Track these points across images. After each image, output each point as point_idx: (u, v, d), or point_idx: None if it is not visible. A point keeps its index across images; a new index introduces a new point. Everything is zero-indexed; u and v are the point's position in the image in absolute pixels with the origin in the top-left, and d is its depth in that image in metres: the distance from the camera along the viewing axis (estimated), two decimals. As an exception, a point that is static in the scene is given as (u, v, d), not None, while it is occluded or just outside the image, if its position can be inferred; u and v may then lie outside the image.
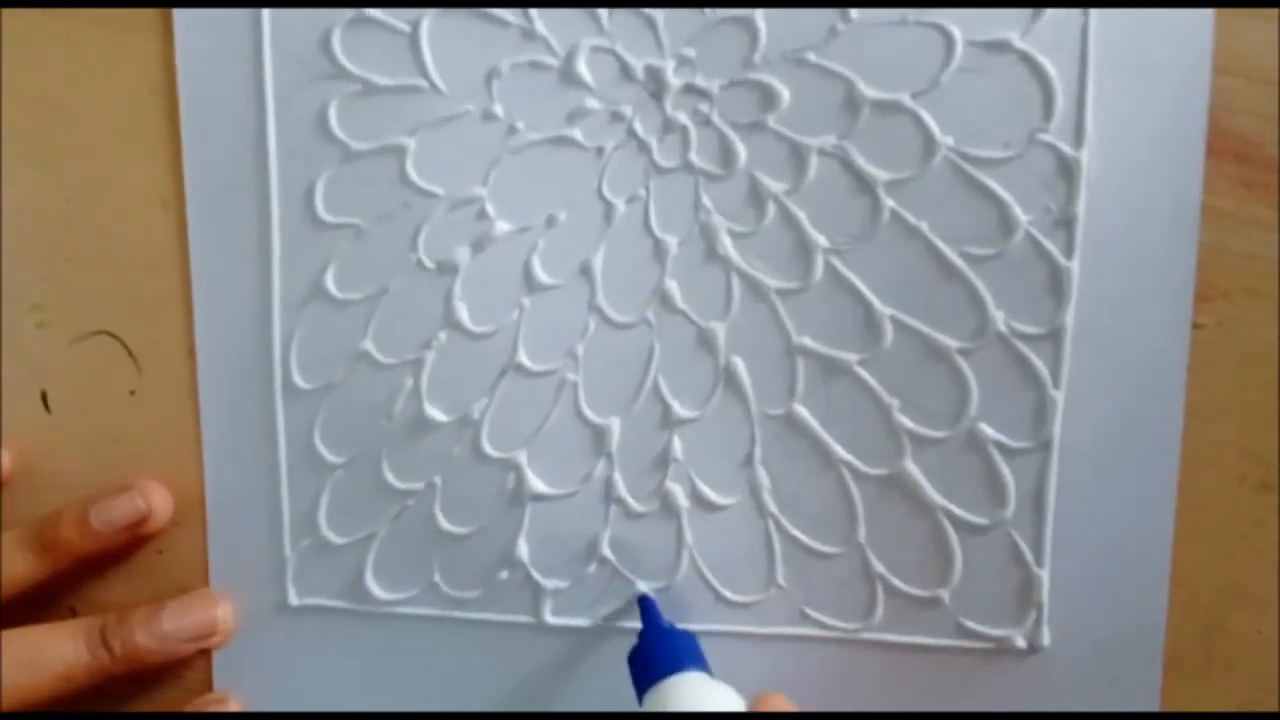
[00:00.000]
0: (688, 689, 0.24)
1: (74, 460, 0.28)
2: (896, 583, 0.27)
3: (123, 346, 0.28)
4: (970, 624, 0.27)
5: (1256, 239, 0.25)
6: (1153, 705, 0.27)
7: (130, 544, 0.28)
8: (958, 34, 0.25)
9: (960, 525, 0.27)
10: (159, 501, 0.28)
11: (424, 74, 0.26)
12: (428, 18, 0.26)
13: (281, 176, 0.27)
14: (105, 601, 0.28)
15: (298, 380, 0.28)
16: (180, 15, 0.26)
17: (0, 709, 0.25)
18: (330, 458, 0.28)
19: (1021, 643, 0.27)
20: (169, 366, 0.28)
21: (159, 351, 0.28)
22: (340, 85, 0.26)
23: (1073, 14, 0.25)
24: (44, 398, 0.28)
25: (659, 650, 0.25)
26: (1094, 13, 0.25)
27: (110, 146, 0.27)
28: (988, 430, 0.26)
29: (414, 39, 0.26)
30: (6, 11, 0.27)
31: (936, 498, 0.27)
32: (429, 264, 0.27)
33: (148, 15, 0.26)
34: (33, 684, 0.25)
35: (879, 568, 0.27)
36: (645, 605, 0.27)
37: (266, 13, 0.26)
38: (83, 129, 0.27)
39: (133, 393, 0.28)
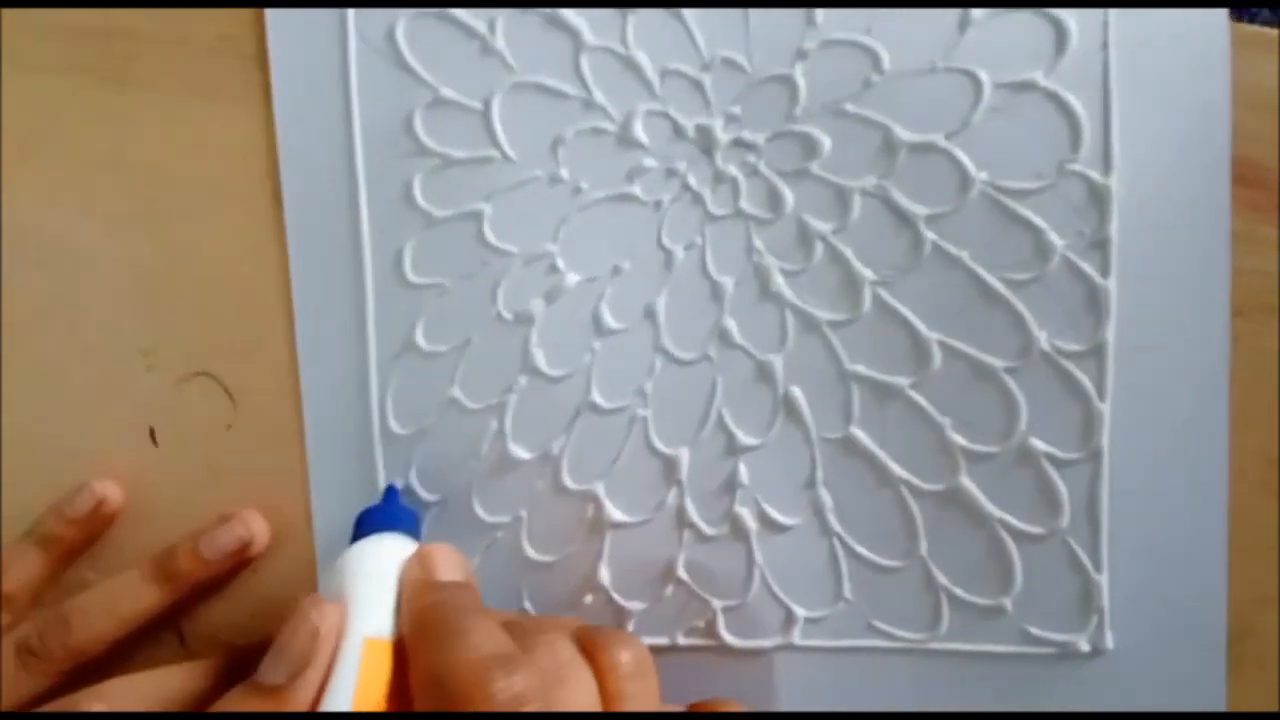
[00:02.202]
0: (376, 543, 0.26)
1: (178, 488, 0.31)
2: (960, 593, 0.29)
3: (220, 386, 0.30)
4: (1034, 630, 0.28)
5: (1268, 258, 0.26)
6: (1219, 702, 0.28)
7: (235, 568, 0.30)
8: (985, 77, 0.27)
9: (1018, 535, 0.28)
10: (258, 528, 0.30)
11: (496, 146, 0.29)
12: (498, 96, 0.29)
13: (373, 244, 0.29)
14: (208, 620, 0.31)
15: (394, 427, 0.30)
16: (279, 96, 0.29)
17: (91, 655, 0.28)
18: (426, 496, 0.30)
19: (1085, 646, 0.28)
20: (261, 402, 0.30)
21: (252, 389, 0.30)
22: (422, 161, 0.29)
23: (1093, 50, 0.26)
24: (152, 434, 0.31)
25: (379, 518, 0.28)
26: (1114, 47, 0.26)
27: (207, 208, 0.30)
28: (1038, 444, 0.28)
29: (486, 115, 0.29)
30: (120, 87, 0.30)
31: (993, 510, 0.28)
32: (508, 316, 0.29)
33: (247, 90, 0.29)
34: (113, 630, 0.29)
35: (942, 579, 0.29)
36: (390, 490, 0.29)
37: (356, 98, 0.29)
38: (183, 192, 0.30)
39: (229, 427, 0.31)
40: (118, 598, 0.29)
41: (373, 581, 0.24)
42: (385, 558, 0.25)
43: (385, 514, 0.28)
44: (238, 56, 0.29)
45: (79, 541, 0.31)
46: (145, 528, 0.31)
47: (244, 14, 0.29)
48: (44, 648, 0.28)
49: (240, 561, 0.30)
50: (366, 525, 0.27)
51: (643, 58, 0.28)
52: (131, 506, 0.31)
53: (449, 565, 0.25)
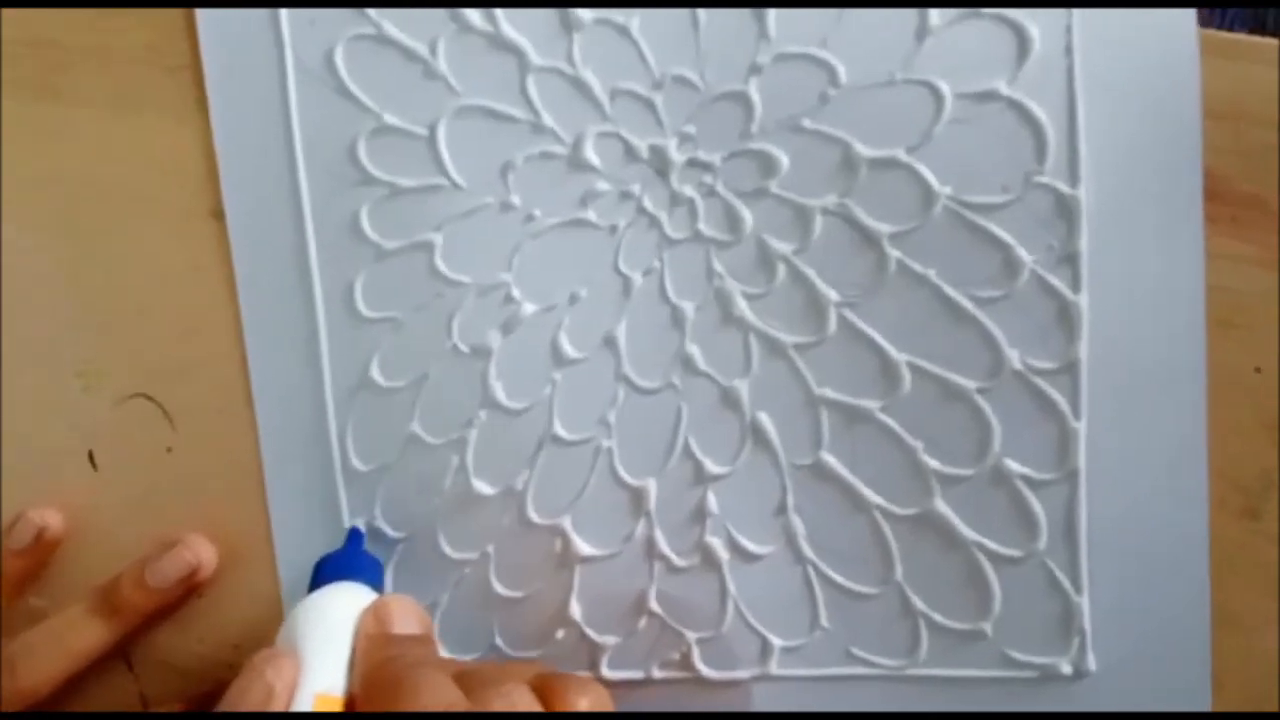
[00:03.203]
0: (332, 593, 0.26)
1: (120, 512, 0.30)
2: (938, 618, 0.28)
3: (159, 408, 0.30)
4: (1015, 654, 0.28)
5: (1224, 272, 0.25)
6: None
7: (183, 596, 0.30)
8: (945, 88, 0.26)
9: (995, 558, 0.27)
10: (205, 554, 0.29)
11: (444, 173, 0.28)
12: (443, 121, 0.28)
13: (323, 279, 0.29)
14: (156, 646, 0.30)
15: (355, 463, 0.29)
16: (217, 119, 0.28)
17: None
18: (392, 533, 0.30)
19: (1067, 669, 0.27)
20: (202, 424, 0.30)
21: (192, 410, 0.30)
22: (369, 191, 0.28)
23: (1057, 56, 0.25)
24: (91, 457, 0.30)
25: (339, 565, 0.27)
26: (1078, 54, 0.25)
27: (142, 223, 0.29)
28: (1013, 465, 0.27)
29: (432, 141, 0.28)
30: (49, 98, 0.29)
31: (969, 533, 0.27)
32: (464, 348, 0.29)
33: (178, 102, 0.28)
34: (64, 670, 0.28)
35: (919, 605, 0.28)
36: (353, 534, 0.29)
37: (297, 128, 0.28)
38: (116, 206, 0.29)
39: (169, 450, 0.30)
40: (65, 636, 0.29)
41: (328, 635, 0.24)
42: (342, 610, 0.25)
43: (346, 561, 0.28)
44: (165, 68, 0.29)
45: (26, 572, 0.30)
46: (88, 552, 0.30)
47: (171, 24, 0.28)
48: None
49: (188, 588, 0.30)
50: (326, 572, 0.27)
51: (591, 77, 0.27)
52: (74, 531, 0.30)
53: (405, 618, 0.25)
